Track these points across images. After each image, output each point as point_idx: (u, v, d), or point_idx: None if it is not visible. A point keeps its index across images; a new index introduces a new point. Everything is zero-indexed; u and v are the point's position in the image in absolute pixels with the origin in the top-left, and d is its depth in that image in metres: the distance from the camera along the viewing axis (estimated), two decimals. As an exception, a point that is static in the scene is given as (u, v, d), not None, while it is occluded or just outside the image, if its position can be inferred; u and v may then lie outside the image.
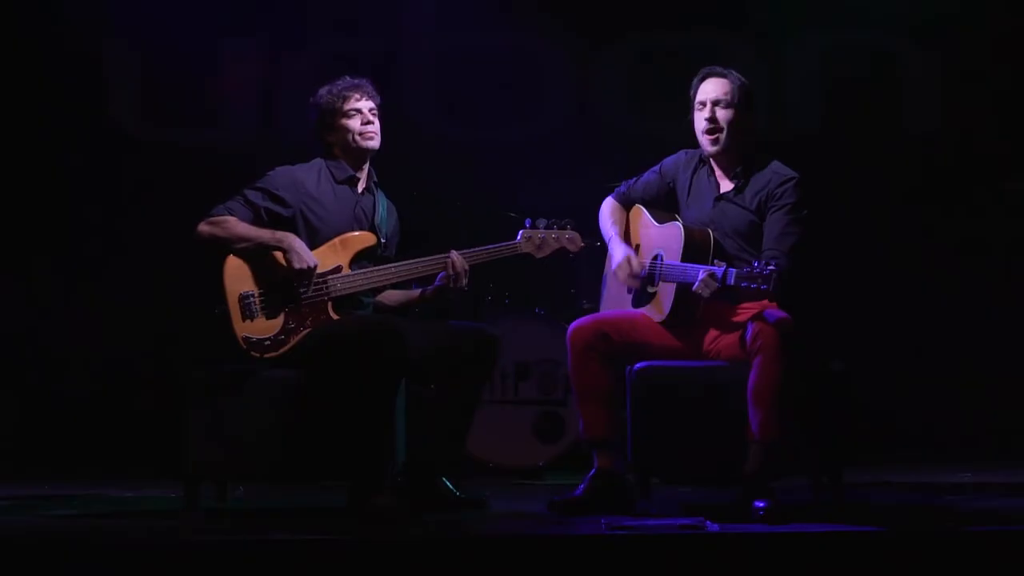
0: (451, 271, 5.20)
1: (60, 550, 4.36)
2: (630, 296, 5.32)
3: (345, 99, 5.28)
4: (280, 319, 5.10)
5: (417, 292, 5.38)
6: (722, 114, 5.16)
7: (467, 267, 5.21)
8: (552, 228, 5.31)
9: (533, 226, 5.29)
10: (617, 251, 5.28)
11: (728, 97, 5.16)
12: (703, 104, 5.19)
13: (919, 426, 6.90)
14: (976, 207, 7.02)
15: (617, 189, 5.47)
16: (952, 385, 6.96)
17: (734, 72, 5.21)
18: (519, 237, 5.28)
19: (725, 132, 5.16)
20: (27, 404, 6.89)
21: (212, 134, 7.00)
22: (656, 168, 5.38)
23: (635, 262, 5.19)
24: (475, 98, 7.08)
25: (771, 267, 4.75)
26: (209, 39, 6.96)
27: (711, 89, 5.18)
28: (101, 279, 6.94)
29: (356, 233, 5.26)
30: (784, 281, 4.90)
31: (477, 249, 5.25)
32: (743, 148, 5.20)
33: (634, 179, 5.43)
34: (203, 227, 5.14)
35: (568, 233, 5.32)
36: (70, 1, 6.94)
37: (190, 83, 6.96)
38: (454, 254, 5.21)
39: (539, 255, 5.30)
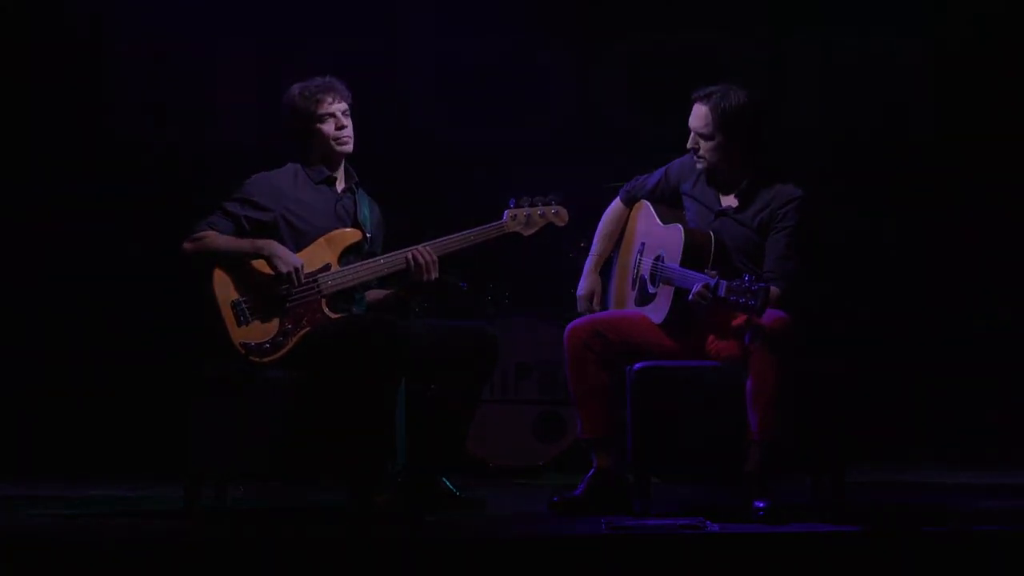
0: (413, 264, 5.12)
1: (60, 550, 4.36)
2: (634, 293, 5.32)
3: (318, 102, 5.23)
4: (275, 322, 5.09)
5: (391, 290, 5.32)
6: (703, 144, 5.15)
7: (434, 259, 5.14)
8: (537, 205, 5.25)
9: (518, 204, 5.24)
10: (583, 281, 5.39)
11: (707, 129, 5.12)
12: (690, 130, 5.18)
13: (919, 426, 6.90)
14: (975, 207, 7.01)
15: (625, 186, 5.45)
16: (952, 385, 6.96)
17: (721, 91, 5.11)
18: (504, 217, 5.23)
19: (707, 159, 5.15)
20: (27, 404, 6.88)
21: (212, 134, 7.00)
22: (663, 170, 5.37)
23: (584, 304, 5.36)
24: (474, 99, 7.07)
25: (760, 284, 4.74)
26: (210, 39, 6.96)
27: (692, 117, 5.16)
28: (101, 279, 6.93)
29: (342, 230, 5.24)
30: (779, 302, 4.91)
31: (464, 232, 5.19)
32: (739, 166, 5.16)
33: (644, 176, 5.41)
34: (187, 245, 5.16)
35: (554, 208, 5.26)
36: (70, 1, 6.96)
37: (191, 83, 6.96)
38: (416, 248, 5.13)
39: (527, 232, 5.24)
